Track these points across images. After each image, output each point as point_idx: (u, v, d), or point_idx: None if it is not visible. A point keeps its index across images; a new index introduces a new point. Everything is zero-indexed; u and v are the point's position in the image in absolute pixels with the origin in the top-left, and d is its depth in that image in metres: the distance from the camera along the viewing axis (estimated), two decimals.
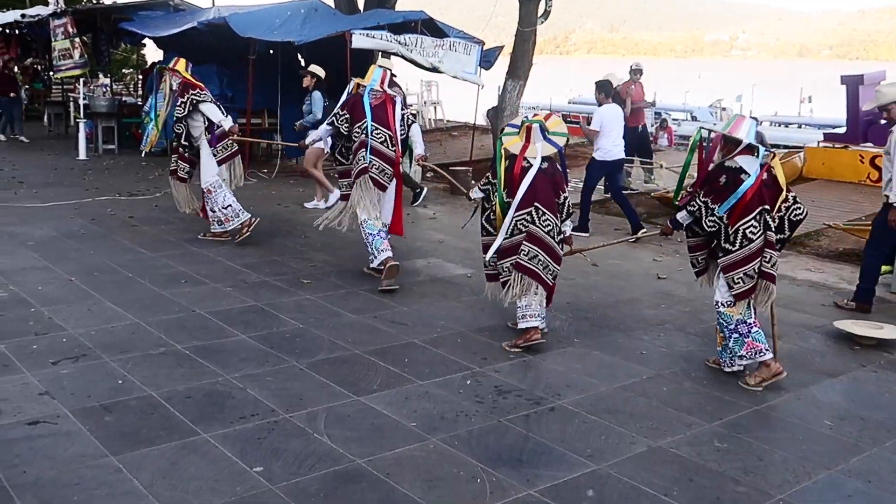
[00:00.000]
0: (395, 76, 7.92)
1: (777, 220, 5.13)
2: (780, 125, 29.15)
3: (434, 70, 12.56)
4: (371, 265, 7.10)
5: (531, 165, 5.65)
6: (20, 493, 3.49)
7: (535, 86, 21.39)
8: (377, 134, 6.90)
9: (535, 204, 5.60)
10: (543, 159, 5.71)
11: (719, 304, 5.23)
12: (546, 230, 5.61)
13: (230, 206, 8.14)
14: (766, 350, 5.13)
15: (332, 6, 14.88)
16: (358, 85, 7.10)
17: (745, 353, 5.15)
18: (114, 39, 17.86)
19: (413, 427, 4.34)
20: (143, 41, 18.57)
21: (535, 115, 6.32)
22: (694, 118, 29.09)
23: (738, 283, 5.08)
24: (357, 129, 6.91)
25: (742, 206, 5.01)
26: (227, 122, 8.03)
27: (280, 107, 13.93)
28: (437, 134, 19.54)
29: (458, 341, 5.77)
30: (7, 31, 21.57)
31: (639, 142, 12.95)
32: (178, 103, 7.92)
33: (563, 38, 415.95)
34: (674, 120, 26.08)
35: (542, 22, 14.53)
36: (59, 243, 7.89)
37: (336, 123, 7.00)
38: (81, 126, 14.07)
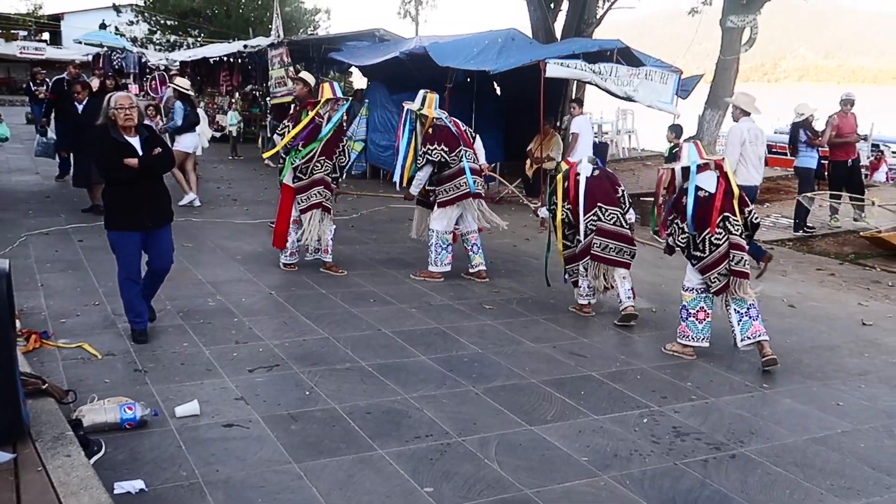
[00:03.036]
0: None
1: (742, 222, 5.84)
2: None
3: (628, 99, 12.39)
4: (430, 268, 7.90)
5: (580, 175, 6.81)
6: (212, 490, 3.77)
7: None
8: (469, 156, 7.79)
9: (598, 204, 6.72)
10: (593, 168, 6.87)
11: (684, 290, 6.09)
12: (611, 222, 6.70)
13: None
14: (693, 338, 5.98)
15: (530, 35, 15.07)
16: (427, 117, 7.77)
17: (678, 333, 6.06)
18: (324, 67, 19.06)
19: (584, 462, 4.28)
20: (350, 69, 19.62)
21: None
22: None
23: (715, 281, 5.83)
24: (454, 157, 7.68)
25: (710, 217, 5.77)
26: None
27: (474, 132, 14.24)
28: (631, 163, 19.22)
29: (638, 377, 5.62)
30: (231, 60, 23.59)
31: (848, 176, 12.12)
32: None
33: (772, 65, 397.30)
34: (893, 153, 24.06)
35: (746, 50, 14.00)
36: (263, 258, 8.48)
37: (431, 158, 7.65)
38: None
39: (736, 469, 4.30)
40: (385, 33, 16.54)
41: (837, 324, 7.33)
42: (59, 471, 3.34)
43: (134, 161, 5.44)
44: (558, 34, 16.50)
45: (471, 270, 8.05)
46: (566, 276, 7.16)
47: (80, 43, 33.13)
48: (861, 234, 11.12)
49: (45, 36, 43.12)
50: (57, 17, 44.49)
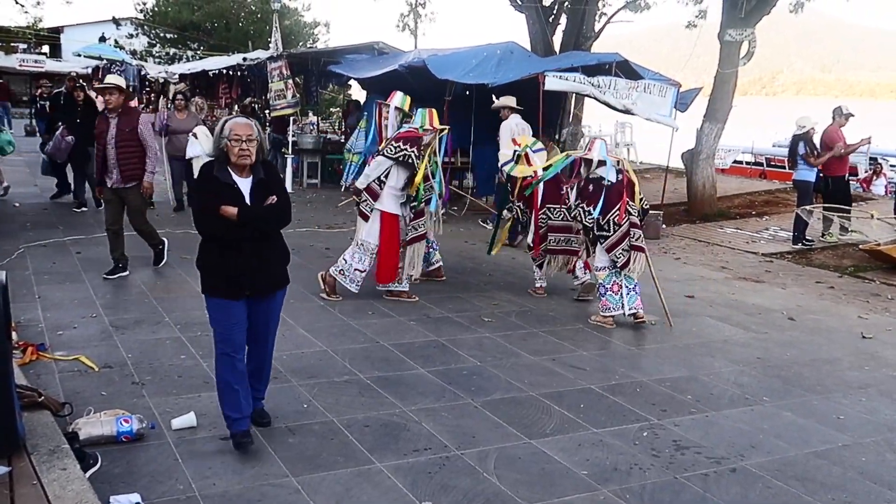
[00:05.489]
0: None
1: (638, 208, 7.11)
2: None
3: (627, 112, 12.40)
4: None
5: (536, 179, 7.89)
6: None
7: (738, 127, 20.56)
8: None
9: (547, 205, 7.85)
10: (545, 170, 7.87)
11: (597, 270, 7.22)
12: (559, 219, 7.86)
13: (362, 272, 7.55)
14: (613, 309, 7.08)
15: (529, 48, 15.10)
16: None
17: (601, 307, 7.18)
18: (322, 80, 19.08)
19: (584, 475, 4.25)
20: (349, 82, 19.62)
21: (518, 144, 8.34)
22: None
23: (620, 256, 6.99)
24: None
25: (611, 203, 6.97)
26: None
27: (473, 145, 14.28)
28: None
29: (638, 390, 5.60)
30: (230, 72, 23.66)
31: (844, 191, 12.10)
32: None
33: (770, 79, 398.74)
34: (891, 166, 24.14)
35: (745, 63, 14.04)
36: None
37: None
38: (289, 161, 15.06)
39: (736, 483, 4.27)
40: (384, 46, 16.56)
41: (837, 336, 7.32)
42: (55, 484, 3.32)
43: (232, 210, 4.05)
44: (557, 48, 16.56)
45: (428, 269, 8.32)
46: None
47: (80, 56, 33.22)
48: (860, 246, 11.11)
49: (45, 49, 43.19)
50: (57, 30, 44.56)
